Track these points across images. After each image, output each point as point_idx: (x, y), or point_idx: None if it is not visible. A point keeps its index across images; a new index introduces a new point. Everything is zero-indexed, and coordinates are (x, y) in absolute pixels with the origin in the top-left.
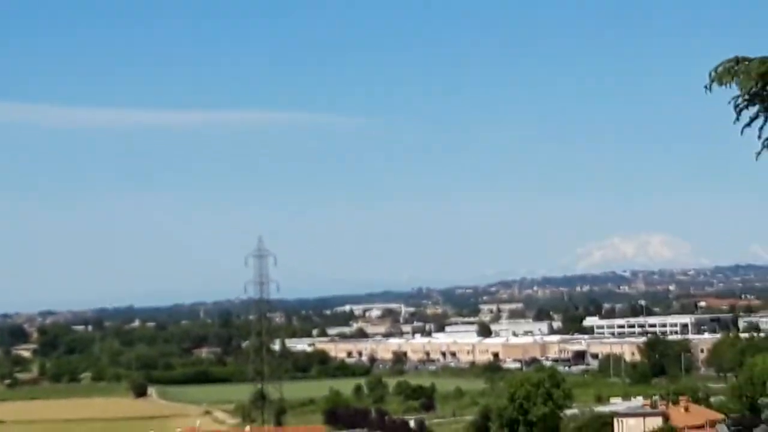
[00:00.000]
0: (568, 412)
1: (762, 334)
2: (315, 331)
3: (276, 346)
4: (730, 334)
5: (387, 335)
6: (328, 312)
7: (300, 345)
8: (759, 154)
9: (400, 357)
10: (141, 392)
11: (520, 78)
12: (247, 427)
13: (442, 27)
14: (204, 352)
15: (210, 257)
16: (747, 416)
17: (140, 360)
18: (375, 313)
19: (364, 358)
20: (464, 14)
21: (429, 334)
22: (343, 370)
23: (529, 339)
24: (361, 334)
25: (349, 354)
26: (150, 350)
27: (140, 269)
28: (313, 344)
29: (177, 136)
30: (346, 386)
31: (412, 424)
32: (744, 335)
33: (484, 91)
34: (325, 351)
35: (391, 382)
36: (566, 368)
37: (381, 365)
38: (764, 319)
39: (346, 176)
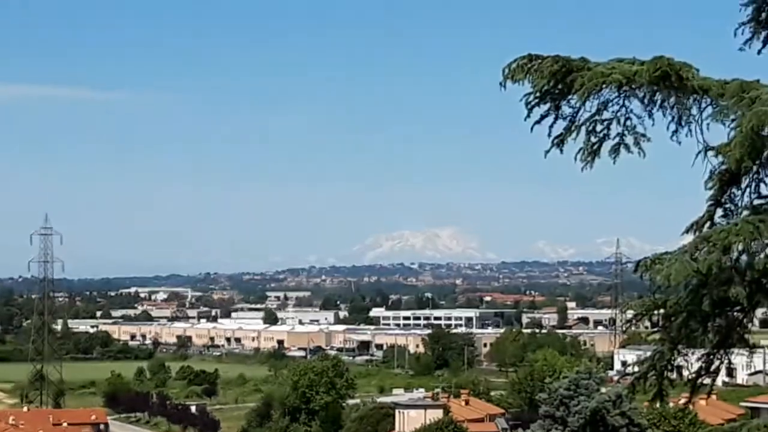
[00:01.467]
0: (351, 401)
1: (544, 331)
2: (99, 313)
3: (58, 327)
4: (513, 330)
5: (172, 319)
6: (112, 293)
7: (83, 326)
8: (548, 152)
9: (184, 341)
10: None
11: (307, 64)
12: (25, 408)
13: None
14: None
15: None
16: (525, 411)
17: None
18: (161, 296)
19: (148, 342)
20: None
21: (215, 319)
22: (125, 352)
23: (314, 327)
24: (146, 317)
25: (133, 337)
26: None
27: None
28: (96, 326)
29: None
30: (128, 369)
31: (193, 409)
32: (527, 331)
33: (273, 75)
34: (108, 333)
35: (175, 367)
36: (351, 358)
37: (165, 349)
38: (547, 316)
39: (135, 155)
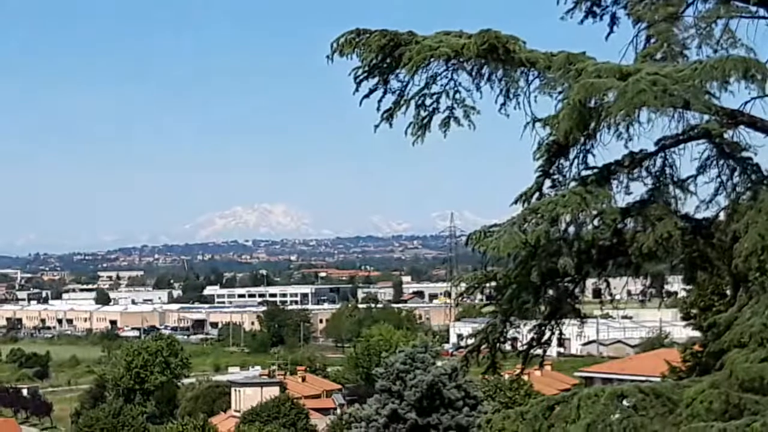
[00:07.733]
0: (186, 381)
1: (380, 305)
2: None
3: None
4: (349, 305)
5: (1, 301)
6: None
7: None
8: (377, 126)
9: (14, 324)
10: None
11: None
12: None
13: None
14: None
15: None
16: (362, 386)
17: None
18: None
19: None
20: None
21: (45, 300)
22: None
23: (148, 307)
24: None
25: None
26: None
27: None
28: None
29: None
30: None
31: (25, 392)
32: (362, 306)
33: (83, 53)
34: None
35: (5, 350)
36: (185, 337)
37: None
38: (382, 291)
39: None
